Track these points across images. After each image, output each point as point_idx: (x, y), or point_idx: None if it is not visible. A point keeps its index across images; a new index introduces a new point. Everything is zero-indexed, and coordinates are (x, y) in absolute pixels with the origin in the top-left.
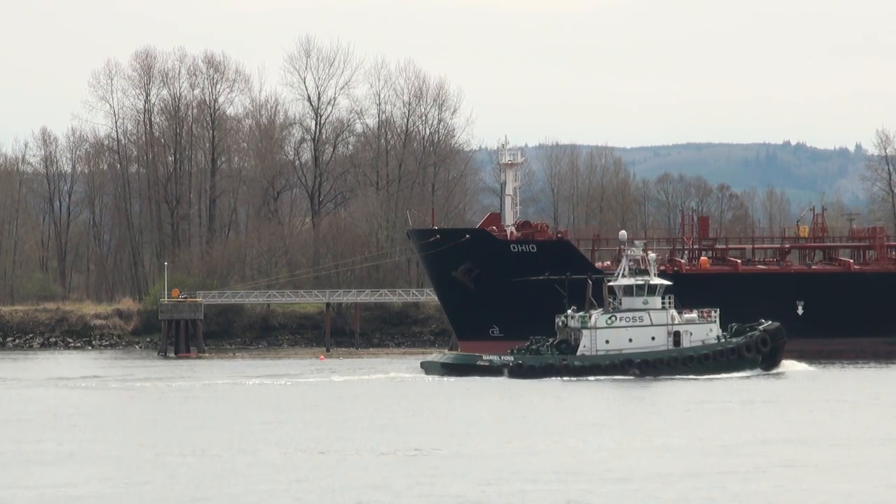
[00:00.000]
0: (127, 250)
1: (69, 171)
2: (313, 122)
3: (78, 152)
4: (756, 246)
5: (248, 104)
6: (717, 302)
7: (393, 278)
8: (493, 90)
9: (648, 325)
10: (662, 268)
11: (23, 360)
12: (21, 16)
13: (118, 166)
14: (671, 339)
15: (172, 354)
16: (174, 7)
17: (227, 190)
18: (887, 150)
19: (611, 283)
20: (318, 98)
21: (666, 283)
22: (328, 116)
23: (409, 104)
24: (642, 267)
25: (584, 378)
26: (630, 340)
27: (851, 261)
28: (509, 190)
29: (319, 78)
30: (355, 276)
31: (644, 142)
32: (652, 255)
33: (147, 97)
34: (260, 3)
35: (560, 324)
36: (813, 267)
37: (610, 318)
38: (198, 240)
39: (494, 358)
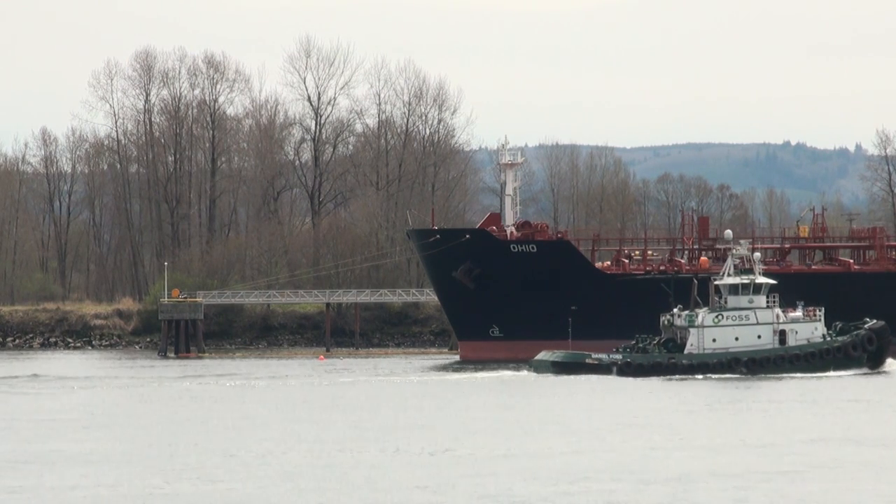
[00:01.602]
0: (127, 250)
1: (69, 171)
2: (313, 122)
3: (78, 152)
4: (756, 246)
5: (248, 104)
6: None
7: (393, 278)
8: (493, 90)
9: (754, 323)
10: (662, 268)
11: (23, 360)
12: (21, 16)
13: (118, 166)
14: (777, 337)
15: (172, 354)
16: (174, 7)
17: (227, 190)
18: (887, 150)
19: (716, 282)
20: (318, 98)
21: (771, 281)
22: (328, 116)
23: (409, 104)
24: (747, 266)
25: (693, 376)
26: (736, 339)
27: (851, 261)
28: (509, 190)
29: (319, 78)
30: (355, 276)
31: (644, 142)
32: (757, 254)
33: (147, 97)
34: (260, 3)
35: (665, 322)
36: (813, 267)
37: (716, 316)
38: (198, 240)
39: (603, 356)
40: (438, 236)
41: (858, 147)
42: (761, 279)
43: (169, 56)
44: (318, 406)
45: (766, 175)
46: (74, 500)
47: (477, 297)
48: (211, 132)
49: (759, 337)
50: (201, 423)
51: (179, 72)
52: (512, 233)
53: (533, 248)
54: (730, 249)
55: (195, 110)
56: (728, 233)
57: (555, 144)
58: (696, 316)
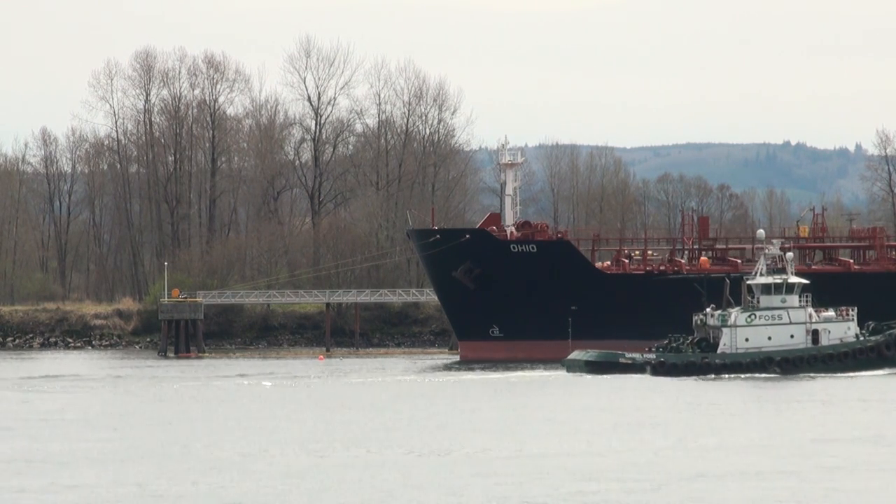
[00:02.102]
0: (127, 250)
1: (69, 171)
2: (313, 122)
3: (78, 152)
4: (756, 246)
5: (248, 104)
6: (717, 302)
7: (393, 278)
8: (493, 90)
9: (787, 323)
10: (662, 268)
11: (23, 360)
12: (21, 16)
13: (118, 166)
14: (810, 337)
15: (172, 354)
16: (174, 7)
17: (227, 190)
18: (887, 150)
19: (749, 282)
20: (318, 98)
21: (804, 281)
22: (328, 116)
23: (409, 104)
24: (779, 266)
25: (727, 376)
26: (769, 338)
27: (851, 261)
28: (509, 190)
29: (319, 78)
30: (355, 276)
31: (644, 142)
32: (789, 254)
33: (147, 97)
34: (260, 3)
35: (698, 322)
36: (813, 267)
37: (749, 316)
38: (198, 240)
39: (637, 356)
40: (438, 236)
41: (858, 147)
42: (794, 279)
43: (169, 56)
44: (340, 405)
45: (766, 175)
46: (95, 499)
47: (477, 297)
48: (211, 132)
49: (792, 336)
50: (214, 422)
51: (179, 72)
52: (512, 233)
53: (533, 248)
54: (762, 249)
55: (195, 110)
56: (760, 232)
57: (555, 144)
58: (729, 315)
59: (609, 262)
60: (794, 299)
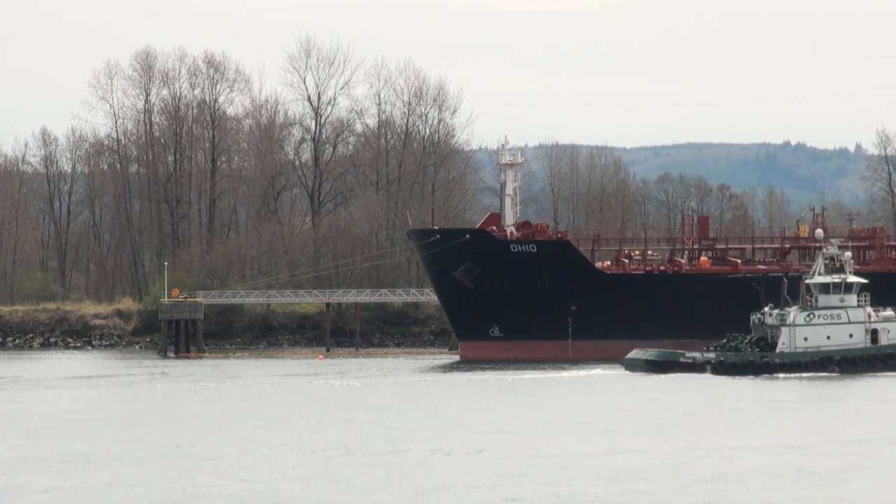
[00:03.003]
0: (127, 250)
1: (69, 171)
2: (313, 122)
3: (78, 152)
4: (756, 246)
5: (248, 104)
6: (717, 302)
7: (393, 278)
8: (493, 90)
9: (846, 322)
10: (662, 268)
11: (23, 360)
12: (21, 16)
13: (118, 166)
14: (869, 336)
15: (172, 354)
16: (174, 7)
17: (227, 190)
18: (887, 150)
19: (807, 281)
20: (318, 98)
21: (862, 281)
22: (328, 116)
23: (409, 104)
24: (838, 265)
25: (788, 375)
26: (828, 338)
27: (852, 261)
28: (509, 190)
29: (319, 78)
30: (355, 276)
31: (644, 142)
32: (847, 253)
33: (147, 97)
34: (260, 3)
35: (756, 321)
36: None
37: (808, 315)
38: (198, 240)
39: (697, 355)
40: (438, 236)
41: (858, 147)
42: (852, 278)
43: (169, 56)
44: (360, 406)
45: (766, 175)
46: (114, 499)
47: (477, 297)
48: (211, 132)
49: (851, 336)
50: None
51: (179, 72)
52: (512, 233)
53: (533, 248)
54: (820, 248)
55: (195, 110)
56: (819, 232)
57: (555, 144)
58: (788, 315)
59: (609, 262)
60: (852, 298)
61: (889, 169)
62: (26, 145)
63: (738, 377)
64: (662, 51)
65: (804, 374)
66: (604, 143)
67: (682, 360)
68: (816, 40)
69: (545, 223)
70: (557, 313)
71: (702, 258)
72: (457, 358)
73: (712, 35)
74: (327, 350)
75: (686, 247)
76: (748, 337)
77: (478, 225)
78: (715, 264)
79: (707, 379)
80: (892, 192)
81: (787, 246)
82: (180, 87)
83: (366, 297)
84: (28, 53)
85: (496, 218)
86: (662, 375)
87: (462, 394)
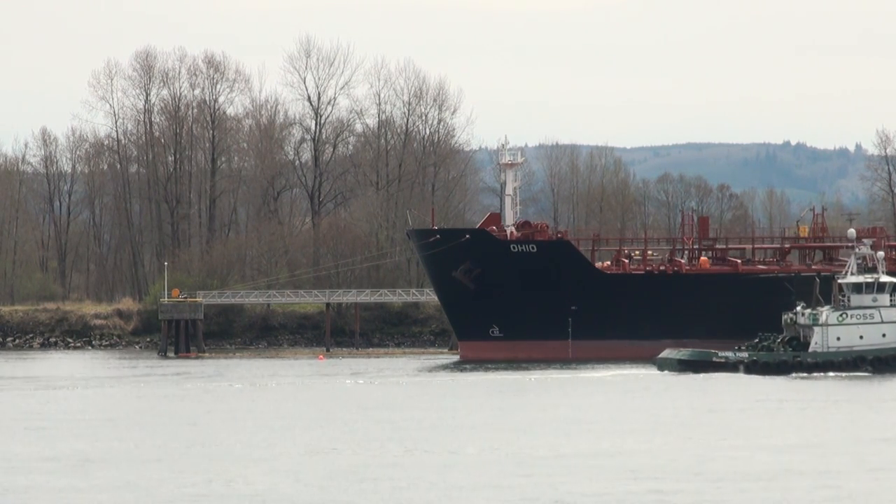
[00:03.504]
0: (127, 250)
1: (69, 171)
2: (313, 122)
3: (78, 152)
4: (756, 246)
5: (248, 104)
6: (717, 302)
7: (393, 278)
8: (493, 90)
9: (879, 322)
10: (662, 268)
11: (23, 360)
12: (21, 15)
13: (118, 166)
14: None
15: (172, 354)
16: (174, 7)
17: (227, 190)
18: (887, 150)
19: (840, 281)
20: (318, 98)
21: (895, 280)
22: (328, 116)
23: (409, 104)
24: (870, 265)
25: (820, 374)
26: (861, 337)
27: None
28: (509, 190)
29: (319, 78)
30: (355, 276)
31: (644, 142)
32: (880, 252)
33: (147, 97)
34: (260, 3)
35: (788, 321)
36: (813, 267)
37: (841, 315)
38: (198, 240)
39: (730, 354)
40: (438, 236)
41: (858, 147)
42: (885, 278)
43: (169, 56)
44: (375, 405)
45: (766, 175)
46: (130, 500)
47: (477, 297)
48: (211, 132)
49: (884, 335)
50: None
51: (179, 72)
52: (512, 233)
53: (533, 248)
54: (853, 248)
55: (195, 110)
56: (851, 232)
57: (555, 144)
58: (820, 314)
59: (609, 262)
60: (885, 298)
61: (889, 169)
62: (26, 145)
63: (770, 377)
64: (662, 51)
65: (837, 374)
66: (604, 143)
67: (714, 359)
68: (816, 40)
69: (545, 223)
70: (557, 313)
71: (702, 258)
72: (457, 358)
73: (712, 35)
74: (327, 350)
75: (686, 247)
76: (780, 336)
77: (478, 225)
78: (715, 264)
79: (740, 378)
80: (892, 192)
81: (787, 246)
82: (180, 87)
83: (366, 297)
84: (28, 53)
85: (496, 218)
86: (696, 375)
87: (505, 394)
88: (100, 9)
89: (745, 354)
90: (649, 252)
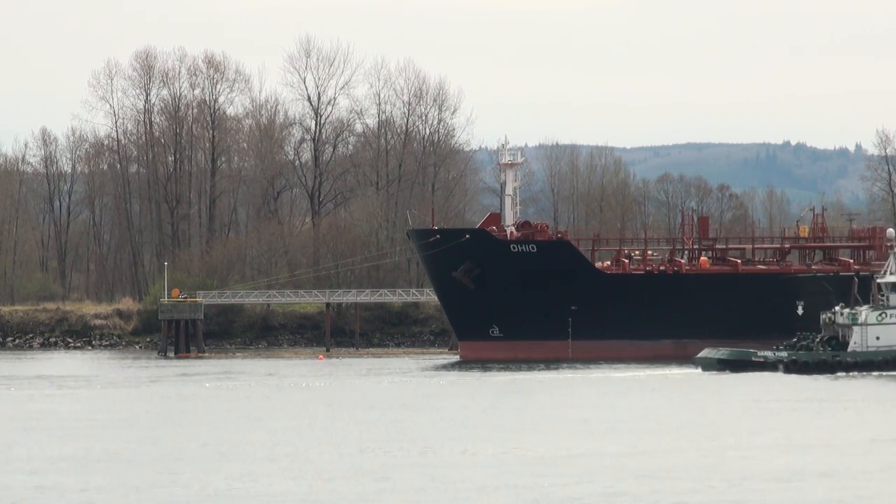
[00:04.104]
0: (127, 250)
1: (69, 171)
2: (313, 122)
3: (78, 152)
4: (756, 246)
5: (248, 104)
6: (718, 302)
7: (393, 278)
8: (493, 90)
9: None
10: (662, 268)
11: (23, 360)
12: (21, 16)
13: (118, 166)
14: None
15: (172, 354)
16: (174, 7)
17: (227, 190)
18: (887, 150)
19: (879, 280)
20: (318, 98)
21: None
22: (328, 116)
23: (409, 104)
24: None
25: (861, 374)
26: None
27: (851, 261)
28: (509, 190)
29: (319, 78)
30: (355, 276)
31: (644, 142)
32: None
33: (147, 97)
34: (260, 3)
35: (826, 320)
36: (813, 267)
37: (880, 314)
38: (198, 240)
39: (769, 354)
40: (438, 236)
41: (858, 147)
42: None
43: (169, 56)
44: (387, 405)
45: (766, 175)
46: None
47: (477, 297)
48: (211, 132)
49: None
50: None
51: (179, 72)
52: (512, 233)
53: (533, 248)
54: (891, 247)
55: (195, 110)
56: (891, 231)
57: (555, 144)
58: (859, 314)
59: (609, 262)
60: None
61: (889, 169)
62: (26, 145)
63: (810, 376)
64: (662, 51)
65: (877, 374)
66: (604, 143)
67: (754, 359)
68: (816, 40)
69: (545, 223)
70: (557, 313)
71: (702, 258)
72: (457, 358)
73: (712, 35)
74: (327, 350)
75: (686, 247)
76: (819, 336)
77: (478, 225)
78: (715, 264)
79: (781, 378)
80: (892, 192)
81: (787, 246)
82: (180, 87)
83: (366, 297)
84: (28, 53)
85: (496, 218)
86: (736, 375)
87: (540, 392)
88: (100, 9)
89: (784, 354)
90: (649, 252)
